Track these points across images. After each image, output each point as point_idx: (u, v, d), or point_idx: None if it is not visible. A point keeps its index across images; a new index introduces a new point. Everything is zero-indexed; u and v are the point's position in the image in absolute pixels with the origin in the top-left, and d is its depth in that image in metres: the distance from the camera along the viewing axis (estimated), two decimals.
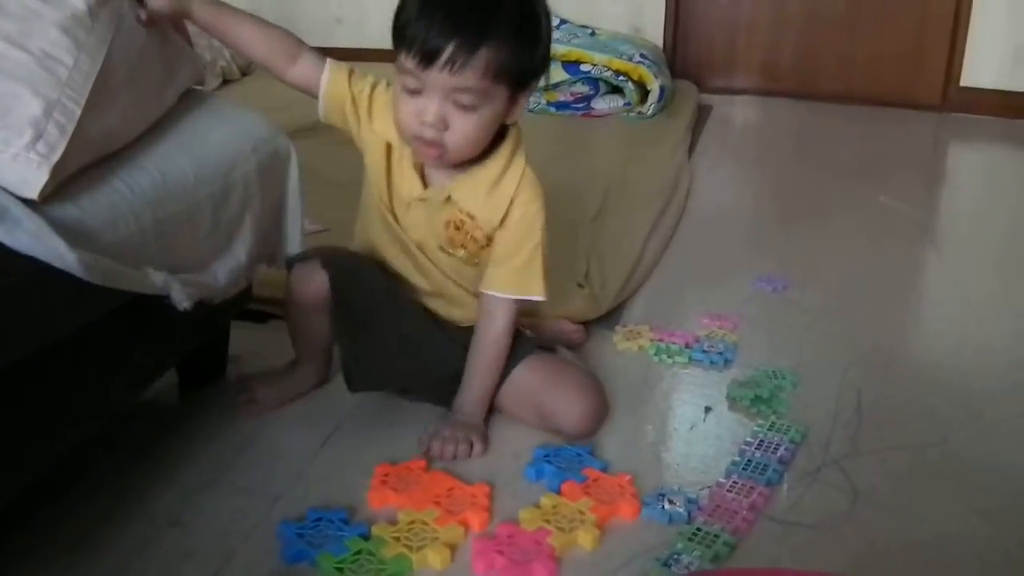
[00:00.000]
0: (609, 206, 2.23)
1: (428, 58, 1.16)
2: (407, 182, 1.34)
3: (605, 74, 3.15)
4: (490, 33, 1.17)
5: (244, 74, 3.69)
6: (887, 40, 3.73)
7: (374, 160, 1.36)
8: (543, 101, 3.17)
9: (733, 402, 1.48)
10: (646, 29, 3.87)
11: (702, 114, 3.38)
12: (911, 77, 3.74)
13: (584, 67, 3.16)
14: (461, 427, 1.34)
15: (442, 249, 1.36)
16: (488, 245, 1.35)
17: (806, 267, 2.05)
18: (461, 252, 1.35)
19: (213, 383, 1.53)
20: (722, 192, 2.67)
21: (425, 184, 1.33)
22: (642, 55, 3.35)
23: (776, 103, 3.74)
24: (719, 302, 1.84)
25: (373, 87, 1.35)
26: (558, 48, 3.19)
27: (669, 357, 1.61)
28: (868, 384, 1.55)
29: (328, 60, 1.36)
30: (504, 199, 1.31)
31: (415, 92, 1.21)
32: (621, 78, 3.14)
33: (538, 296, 1.36)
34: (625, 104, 3.14)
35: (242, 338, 1.59)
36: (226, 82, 3.57)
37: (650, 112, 3.12)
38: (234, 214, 1.28)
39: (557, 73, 3.17)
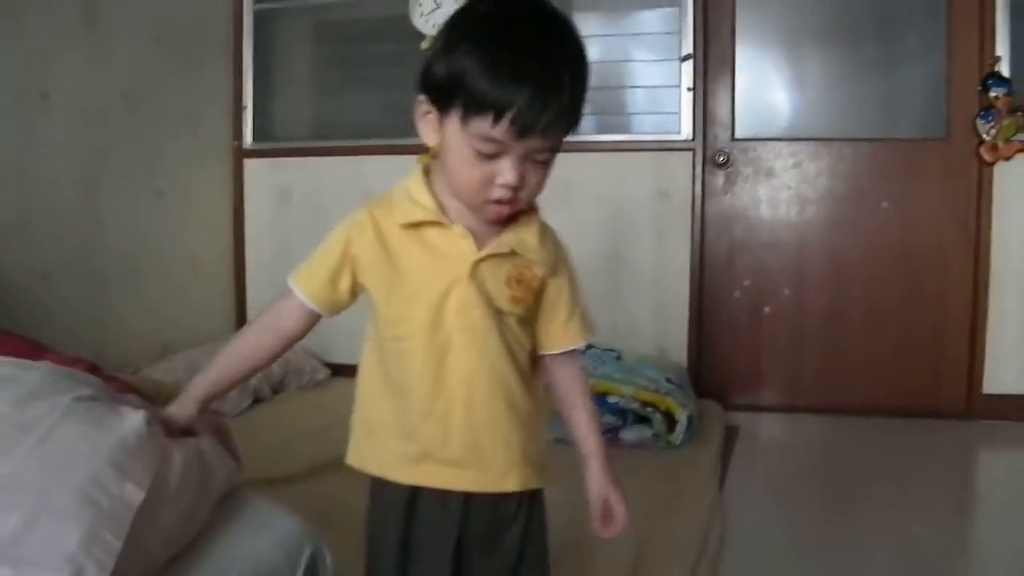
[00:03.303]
0: (643, 563, 2.22)
1: (527, 129, 1.13)
2: (455, 255, 1.25)
3: (632, 406, 3.23)
4: (579, 93, 1.18)
5: (276, 392, 3.72)
6: (907, 352, 3.84)
7: (410, 264, 1.27)
8: None
9: None
10: (670, 349, 4.01)
11: (729, 437, 3.42)
12: (934, 387, 3.82)
13: (612, 399, 3.24)
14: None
15: (500, 314, 1.27)
16: (539, 299, 1.31)
17: None
18: (520, 308, 1.29)
19: None
20: (755, 533, 2.63)
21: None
22: (668, 379, 3.45)
23: (802, 419, 3.80)
24: None
25: (346, 244, 1.29)
26: None
27: None
28: None
29: (292, 283, 1.32)
30: (553, 247, 1.32)
31: (490, 156, 1.17)
32: (648, 409, 3.22)
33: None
34: (653, 435, 3.20)
35: None
36: (257, 401, 3.58)
37: (678, 442, 3.17)
38: None
39: None
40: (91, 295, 3.51)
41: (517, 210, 1.24)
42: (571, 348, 1.36)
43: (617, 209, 4.05)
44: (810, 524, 2.66)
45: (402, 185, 1.28)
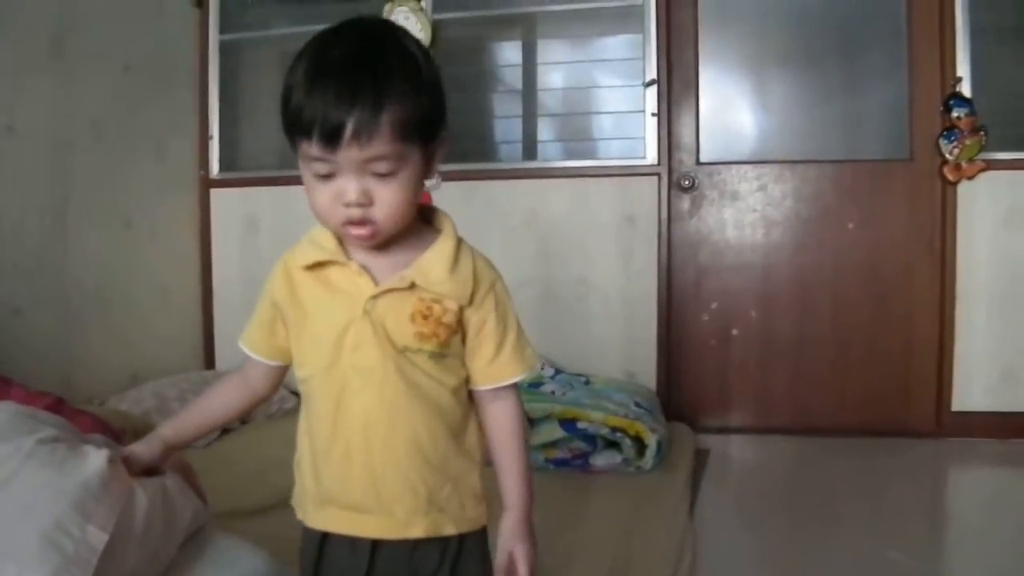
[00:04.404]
0: None
1: (333, 137, 1.11)
2: (353, 292, 1.22)
3: (602, 431, 3.23)
4: (386, 92, 1.12)
5: (244, 421, 3.63)
6: (875, 372, 3.87)
7: (313, 304, 1.26)
8: (542, 459, 3.24)
9: None
10: (639, 373, 4.02)
11: (700, 460, 3.43)
12: (903, 406, 3.85)
13: (581, 424, 3.24)
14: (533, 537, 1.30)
15: (405, 351, 1.22)
16: (456, 332, 1.25)
17: None
18: (430, 344, 1.22)
19: None
20: (727, 556, 2.62)
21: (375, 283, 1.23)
22: (637, 403, 3.46)
23: (772, 441, 3.81)
24: None
25: (271, 294, 1.30)
26: (555, 407, 3.30)
27: None
28: None
29: (240, 344, 1.35)
30: (469, 276, 1.25)
31: (327, 176, 1.15)
32: (617, 434, 3.22)
33: (535, 364, 1.31)
34: (623, 460, 3.20)
35: None
36: (226, 431, 3.45)
37: (648, 467, 3.18)
38: None
39: (555, 431, 3.25)
40: (61, 327, 3.47)
41: (379, 231, 1.18)
42: (498, 385, 1.29)
43: (583, 234, 4.06)
44: (781, 547, 2.66)
45: (309, 231, 1.29)
